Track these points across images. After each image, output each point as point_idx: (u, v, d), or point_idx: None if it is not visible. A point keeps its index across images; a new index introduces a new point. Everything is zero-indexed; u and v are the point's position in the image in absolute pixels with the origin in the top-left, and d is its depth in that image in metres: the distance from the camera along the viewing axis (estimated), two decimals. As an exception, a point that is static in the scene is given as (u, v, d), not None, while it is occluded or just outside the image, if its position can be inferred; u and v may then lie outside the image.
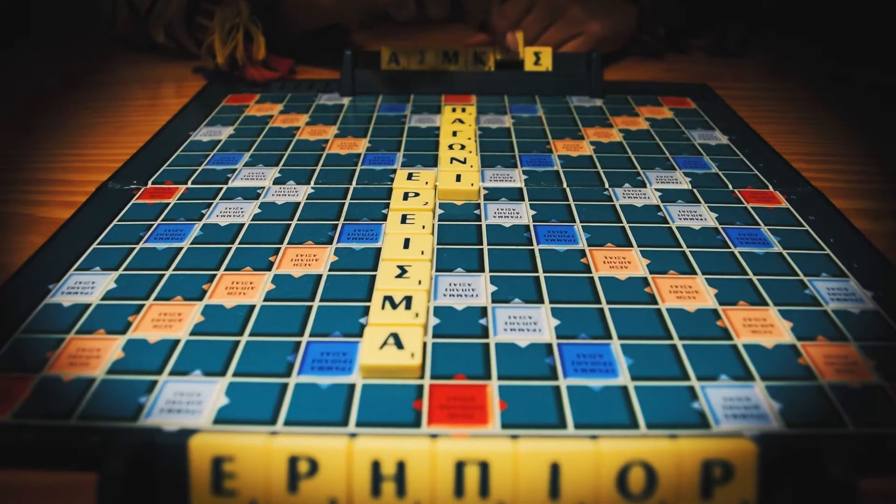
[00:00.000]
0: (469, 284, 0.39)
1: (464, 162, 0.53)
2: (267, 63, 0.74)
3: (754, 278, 0.40)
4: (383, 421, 0.30)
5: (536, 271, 0.40)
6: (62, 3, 0.72)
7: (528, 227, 0.45)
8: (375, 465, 0.25)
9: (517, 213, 0.47)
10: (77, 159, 0.57)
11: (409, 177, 0.51)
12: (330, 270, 0.41)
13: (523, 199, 0.49)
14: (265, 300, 0.38)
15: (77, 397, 0.31)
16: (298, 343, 0.35)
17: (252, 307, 0.37)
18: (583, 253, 0.42)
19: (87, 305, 0.37)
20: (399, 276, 0.39)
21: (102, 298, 0.38)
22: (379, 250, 0.42)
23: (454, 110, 0.65)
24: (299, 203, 0.48)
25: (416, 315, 0.36)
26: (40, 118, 0.66)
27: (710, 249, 0.43)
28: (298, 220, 0.46)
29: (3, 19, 0.94)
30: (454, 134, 0.59)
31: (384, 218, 0.46)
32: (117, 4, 0.82)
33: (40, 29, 0.94)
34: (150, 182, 0.51)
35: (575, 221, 0.46)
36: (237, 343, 0.35)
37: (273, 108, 0.66)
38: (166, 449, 0.26)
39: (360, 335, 0.35)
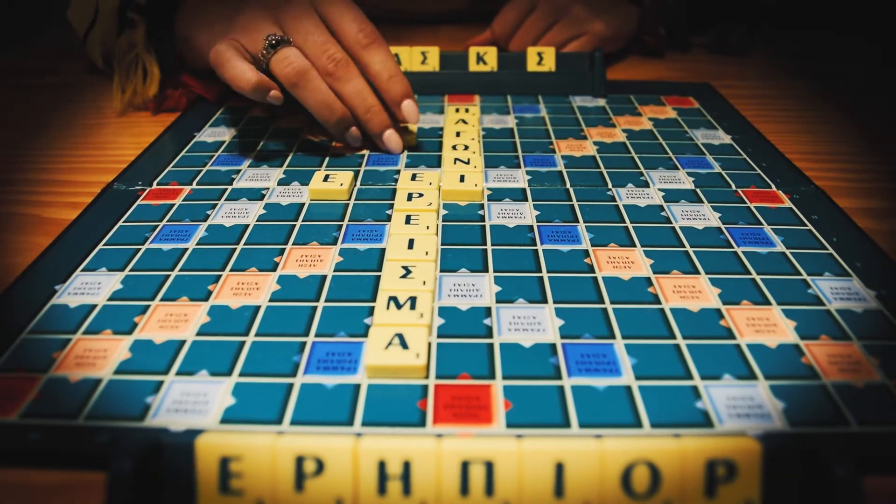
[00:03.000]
0: (473, 285, 0.39)
1: (467, 162, 0.53)
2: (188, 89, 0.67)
3: (757, 278, 0.40)
4: (389, 421, 0.30)
5: (540, 271, 0.41)
6: (63, 4, 0.72)
7: (531, 227, 0.45)
8: (381, 465, 0.25)
9: (521, 214, 0.47)
10: (82, 160, 0.58)
11: (413, 178, 0.51)
12: (335, 271, 0.41)
13: (527, 200, 0.49)
14: (270, 301, 0.38)
15: (84, 397, 0.31)
16: (304, 343, 0.35)
17: (258, 308, 0.37)
18: (586, 253, 0.42)
19: (94, 306, 0.38)
20: (403, 276, 0.39)
21: (109, 299, 0.38)
22: (383, 251, 0.43)
23: (457, 111, 0.65)
24: (304, 204, 0.48)
25: (421, 315, 0.36)
26: (45, 118, 0.67)
27: (713, 249, 0.43)
28: (303, 220, 0.46)
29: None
30: (458, 134, 0.59)
31: (388, 219, 0.46)
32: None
33: (47, 28, 0.94)
34: (155, 183, 0.51)
35: (578, 221, 0.46)
36: (243, 343, 0.35)
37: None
38: (173, 448, 0.26)
39: (365, 335, 0.35)
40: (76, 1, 0.70)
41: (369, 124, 0.55)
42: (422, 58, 0.71)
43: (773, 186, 0.51)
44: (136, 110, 0.67)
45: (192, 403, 0.31)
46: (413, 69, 0.71)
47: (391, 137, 0.56)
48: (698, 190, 0.51)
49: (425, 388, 0.32)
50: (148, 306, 0.38)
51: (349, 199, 0.49)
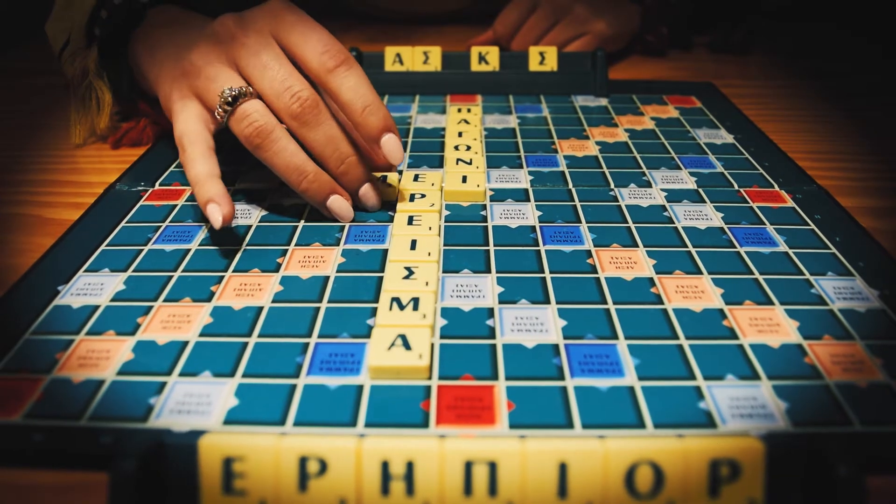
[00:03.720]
0: (476, 285, 0.39)
1: (469, 163, 0.53)
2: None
3: (760, 278, 0.40)
4: (392, 421, 0.30)
5: (543, 272, 0.41)
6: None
7: (534, 227, 0.45)
8: (384, 465, 0.25)
9: (523, 214, 0.47)
10: (85, 161, 0.58)
11: (416, 178, 0.51)
12: (337, 272, 0.41)
13: (529, 200, 0.49)
14: (273, 301, 0.38)
15: (87, 398, 0.31)
16: (307, 344, 0.35)
17: (260, 309, 0.37)
18: (589, 253, 0.42)
19: (97, 307, 0.38)
20: (406, 277, 0.39)
21: (111, 300, 0.38)
22: (386, 252, 0.43)
23: (459, 111, 0.65)
24: (306, 205, 0.48)
25: (424, 316, 0.36)
26: (47, 119, 0.67)
27: (716, 249, 0.43)
28: (306, 221, 0.46)
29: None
30: (460, 135, 0.59)
31: (391, 219, 0.46)
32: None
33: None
34: (157, 184, 0.52)
35: (581, 222, 0.46)
36: (246, 344, 0.35)
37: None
38: (176, 449, 0.26)
39: (368, 336, 0.35)
40: (55, 13, 0.63)
41: (344, 178, 0.45)
42: (424, 57, 0.71)
43: (775, 186, 0.51)
44: (100, 141, 0.61)
45: (195, 404, 0.31)
46: (415, 69, 0.71)
47: (368, 193, 0.47)
48: (701, 190, 0.50)
49: (428, 388, 0.32)
50: (151, 307, 0.38)
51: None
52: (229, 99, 0.43)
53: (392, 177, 0.50)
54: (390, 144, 0.44)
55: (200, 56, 0.46)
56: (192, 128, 0.44)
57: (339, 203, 0.45)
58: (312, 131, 0.44)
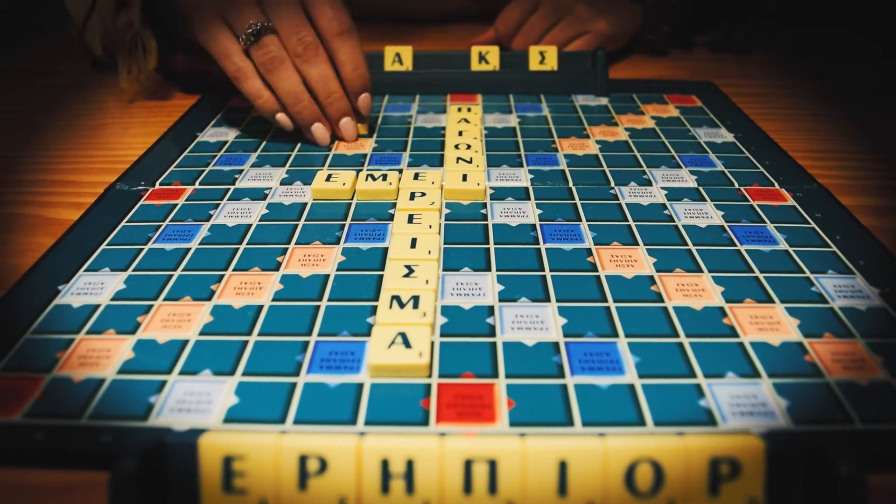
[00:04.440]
0: (476, 283, 0.39)
1: (470, 161, 0.53)
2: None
3: (760, 276, 0.40)
4: (392, 420, 0.30)
5: (543, 270, 0.41)
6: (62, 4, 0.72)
7: (534, 226, 0.45)
8: (384, 464, 0.25)
9: (523, 213, 0.47)
10: (85, 160, 0.58)
11: (416, 177, 0.51)
12: (337, 270, 0.41)
13: (529, 199, 0.49)
14: (273, 300, 0.38)
15: (88, 397, 0.31)
16: (307, 343, 0.35)
17: (260, 307, 0.37)
18: (589, 252, 0.42)
19: (97, 306, 0.38)
20: (406, 275, 0.39)
21: (112, 299, 0.38)
22: (386, 250, 0.43)
23: (460, 110, 0.65)
24: (306, 203, 0.48)
25: (424, 314, 0.36)
26: (48, 119, 0.67)
27: (717, 247, 0.43)
28: (306, 220, 0.46)
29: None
30: (460, 133, 0.59)
31: (391, 218, 0.46)
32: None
33: (49, 29, 0.94)
34: (157, 183, 0.52)
35: (581, 220, 0.46)
36: (246, 343, 0.35)
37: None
38: (177, 448, 0.26)
39: (368, 334, 0.35)
40: None
41: (329, 108, 0.57)
42: (424, 58, 0.71)
43: (775, 184, 0.51)
44: (147, 98, 0.69)
45: (195, 403, 0.31)
46: (416, 69, 0.71)
47: (347, 125, 0.58)
48: (701, 188, 0.50)
49: (428, 387, 0.32)
50: (151, 306, 0.38)
51: (351, 199, 0.49)
52: (254, 31, 0.55)
53: (392, 175, 0.50)
54: (365, 99, 0.59)
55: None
56: (236, 48, 0.55)
57: (319, 129, 0.58)
58: (311, 68, 0.56)
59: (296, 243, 0.43)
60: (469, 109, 0.65)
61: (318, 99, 0.57)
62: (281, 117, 0.57)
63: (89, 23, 0.71)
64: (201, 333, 0.35)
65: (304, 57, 0.55)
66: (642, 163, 0.55)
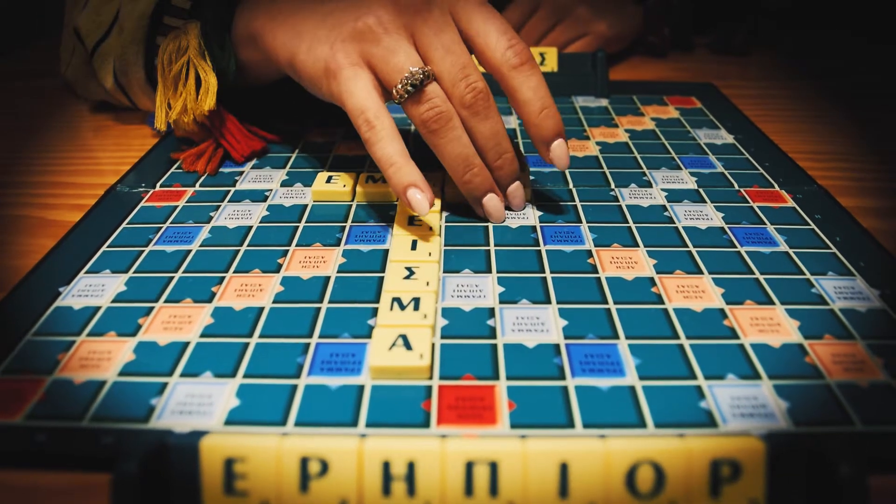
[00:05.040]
0: (476, 285, 0.39)
1: (470, 163, 0.53)
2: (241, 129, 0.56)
3: (761, 277, 0.40)
4: (393, 422, 0.30)
5: (543, 272, 0.41)
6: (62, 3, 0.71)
7: (534, 227, 0.45)
8: (386, 466, 0.25)
9: (524, 214, 0.47)
10: (86, 162, 0.58)
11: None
12: (338, 272, 0.41)
13: (530, 200, 0.49)
14: (274, 302, 0.38)
15: (89, 399, 0.31)
16: (307, 345, 0.35)
17: (261, 309, 0.37)
18: (589, 253, 0.42)
19: (98, 308, 0.38)
20: (407, 277, 0.39)
21: (112, 301, 0.38)
22: (387, 252, 0.43)
23: (460, 111, 0.65)
24: (307, 205, 0.48)
25: (425, 316, 0.36)
26: (48, 120, 0.67)
27: (717, 249, 0.43)
28: (306, 222, 0.46)
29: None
30: (460, 135, 0.59)
31: (392, 220, 0.46)
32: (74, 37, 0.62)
33: (49, 29, 0.95)
34: (158, 185, 0.52)
35: (581, 222, 0.46)
36: (247, 345, 0.35)
37: (279, 110, 0.66)
38: (178, 450, 0.26)
39: (369, 336, 0.35)
40: (91, 6, 0.59)
41: (498, 172, 0.45)
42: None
43: (775, 186, 0.51)
44: (180, 137, 0.56)
45: (196, 405, 0.31)
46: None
47: (517, 192, 0.47)
48: (701, 190, 0.50)
49: (429, 388, 0.32)
50: (152, 308, 0.38)
51: (352, 201, 0.49)
52: (416, 81, 0.42)
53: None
54: (560, 149, 0.45)
55: (377, 20, 0.43)
56: (374, 102, 0.42)
57: (494, 202, 0.45)
58: (482, 122, 0.44)
59: (296, 245, 0.44)
60: (469, 111, 0.65)
61: (486, 161, 0.45)
62: (415, 196, 0.42)
63: (101, 48, 0.59)
64: (202, 335, 0.36)
65: (473, 108, 0.43)
66: (642, 164, 0.55)
